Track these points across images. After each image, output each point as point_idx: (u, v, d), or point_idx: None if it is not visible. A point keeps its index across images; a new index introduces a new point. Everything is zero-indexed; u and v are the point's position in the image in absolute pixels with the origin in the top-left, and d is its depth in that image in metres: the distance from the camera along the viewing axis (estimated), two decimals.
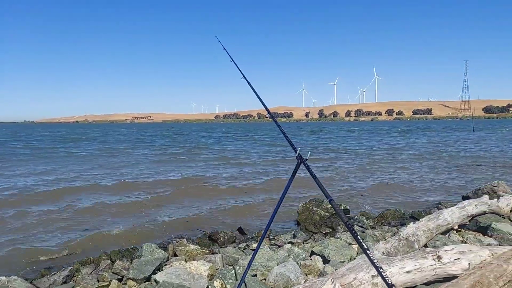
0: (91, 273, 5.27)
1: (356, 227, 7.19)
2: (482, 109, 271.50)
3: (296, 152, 2.84)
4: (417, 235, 5.16)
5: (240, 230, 7.46)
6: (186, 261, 5.04)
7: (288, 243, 6.15)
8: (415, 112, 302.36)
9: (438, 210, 6.88)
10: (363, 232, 6.71)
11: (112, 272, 4.97)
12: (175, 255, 5.70)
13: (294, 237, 6.80)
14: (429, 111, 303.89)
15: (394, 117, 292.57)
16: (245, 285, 3.92)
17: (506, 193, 8.28)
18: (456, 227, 5.98)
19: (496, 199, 7.02)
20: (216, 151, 27.92)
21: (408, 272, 3.79)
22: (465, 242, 5.49)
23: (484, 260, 3.87)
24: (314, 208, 8.27)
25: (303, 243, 6.38)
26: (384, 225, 7.60)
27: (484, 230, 5.94)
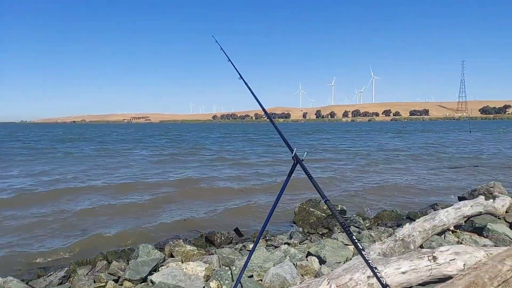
0: (87, 274, 5.26)
1: (352, 228, 7.20)
2: (479, 110, 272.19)
3: (292, 153, 2.84)
4: (413, 235, 5.18)
5: (237, 231, 7.45)
6: (182, 262, 5.05)
7: (285, 244, 6.16)
8: (412, 113, 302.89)
9: (434, 211, 6.91)
10: (359, 232, 6.72)
11: (109, 273, 4.97)
12: (172, 256, 5.69)
13: (290, 238, 6.81)
14: (426, 111, 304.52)
15: (391, 117, 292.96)
16: (241, 286, 3.93)
17: (502, 194, 8.31)
18: (452, 228, 6.01)
19: (491, 200, 7.06)
20: (214, 151, 27.92)
21: (403, 272, 3.81)
22: (461, 243, 5.52)
23: (479, 261, 3.89)
24: (311, 209, 8.28)
25: (299, 244, 6.38)
26: (381, 225, 7.63)
27: (480, 231, 5.97)
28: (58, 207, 9.64)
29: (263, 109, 3.71)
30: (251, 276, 4.46)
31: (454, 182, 13.45)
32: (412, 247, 5.01)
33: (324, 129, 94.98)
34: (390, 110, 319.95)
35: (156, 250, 5.48)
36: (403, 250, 4.90)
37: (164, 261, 5.27)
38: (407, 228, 5.30)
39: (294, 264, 4.62)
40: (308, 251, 5.29)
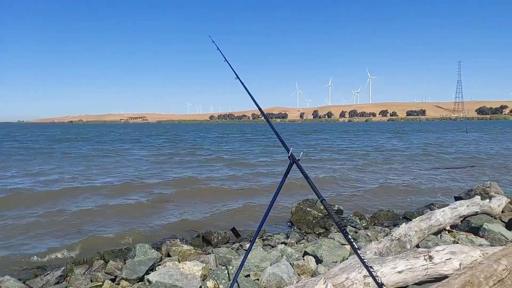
0: (84, 273, 5.26)
1: (349, 228, 7.23)
2: (476, 110, 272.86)
3: (288, 152, 2.85)
4: (409, 235, 5.20)
5: (234, 230, 7.46)
6: (179, 261, 5.05)
7: (281, 243, 6.17)
8: (409, 113, 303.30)
9: (431, 210, 6.93)
10: (356, 232, 6.74)
11: (105, 272, 4.96)
12: (169, 256, 5.70)
13: (287, 237, 6.82)
14: (423, 112, 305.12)
15: (388, 118, 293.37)
16: (238, 285, 3.93)
17: (498, 194, 8.35)
18: (448, 228, 6.03)
19: (488, 200, 7.09)
20: (212, 151, 27.90)
21: (399, 272, 3.82)
22: (457, 243, 5.55)
23: (475, 260, 3.91)
24: (308, 209, 8.30)
25: (296, 243, 6.40)
26: (377, 225, 7.66)
27: (476, 230, 6.00)
28: (55, 207, 9.62)
29: (259, 109, 3.72)
30: (248, 276, 4.47)
31: (451, 182, 13.50)
32: (409, 247, 5.02)
33: (322, 129, 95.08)
34: (387, 110, 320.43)
35: (153, 250, 5.48)
36: (400, 250, 4.92)
37: (161, 260, 5.27)
38: (403, 228, 5.32)
39: (290, 263, 4.63)
40: (305, 251, 5.30)
